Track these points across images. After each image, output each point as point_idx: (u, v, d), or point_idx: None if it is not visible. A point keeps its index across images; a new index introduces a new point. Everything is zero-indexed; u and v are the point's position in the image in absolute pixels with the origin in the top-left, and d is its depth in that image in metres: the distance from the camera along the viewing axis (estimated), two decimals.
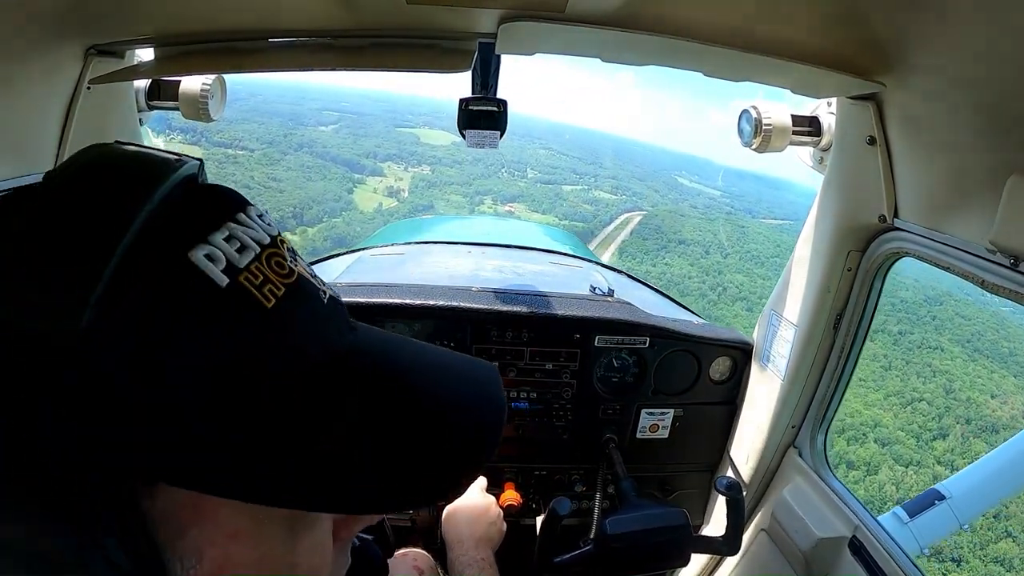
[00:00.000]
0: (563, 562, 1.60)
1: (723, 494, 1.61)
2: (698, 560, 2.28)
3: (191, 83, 1.64)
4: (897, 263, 1.60)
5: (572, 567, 1.60)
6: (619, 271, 3.08)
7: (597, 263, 3.12)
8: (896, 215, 1.47)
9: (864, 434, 28.79)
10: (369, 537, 1.50)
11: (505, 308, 1.96)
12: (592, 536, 1.76)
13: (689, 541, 1.59)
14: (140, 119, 1.66)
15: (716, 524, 2.23)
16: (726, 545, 1.63)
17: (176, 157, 0.46)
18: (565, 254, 3.11)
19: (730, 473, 2.15)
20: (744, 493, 1.99)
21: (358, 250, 3.03)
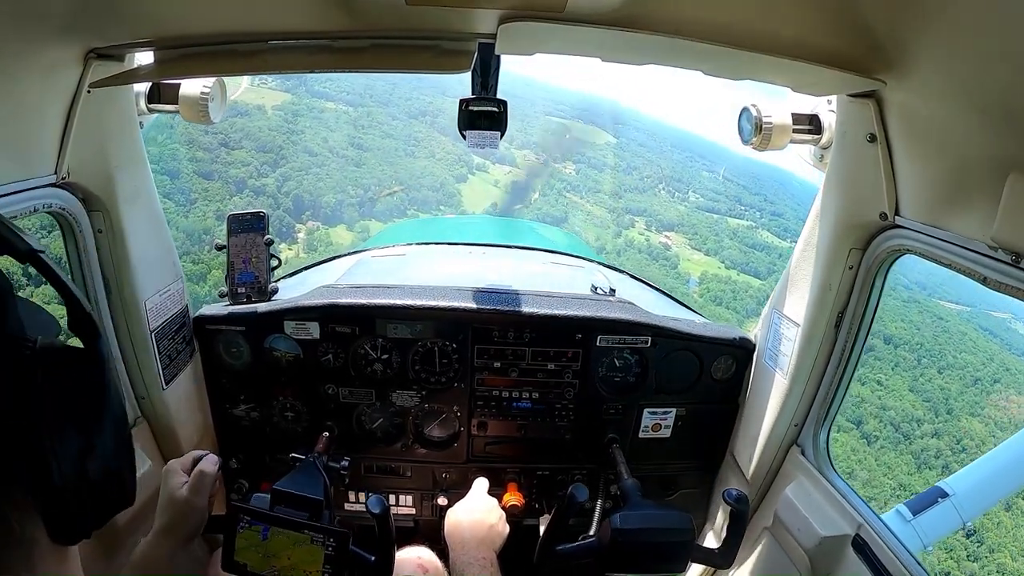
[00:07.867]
0: (566, 551, 1.59)
1: (731, 505, 1.59)
2: None
3: (191, 86, 1.64)
4: (898, 261, 1.60)
5: (574, 557, 1.59)
6: (621, 271, 3.08)
7: (598, 263, 3.12)
8: (897, 212, 1.47)
9: None
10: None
11: (506, 309, 1.95)
12: (595, 530, 1.76)
13: (690, 548, 1.58)
14: (140, 122, 1.66)
15: (717, 526, 2.22)
16: (721, 557, 1.62)
17: None
18: (566, 254, 3.11)
19: (732, 472, 2.15)
20: (748, 497, 1.99)
21: (360, 251, 3.03)
